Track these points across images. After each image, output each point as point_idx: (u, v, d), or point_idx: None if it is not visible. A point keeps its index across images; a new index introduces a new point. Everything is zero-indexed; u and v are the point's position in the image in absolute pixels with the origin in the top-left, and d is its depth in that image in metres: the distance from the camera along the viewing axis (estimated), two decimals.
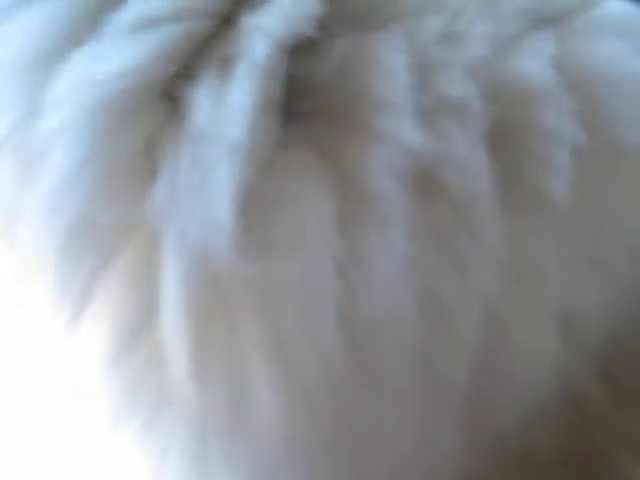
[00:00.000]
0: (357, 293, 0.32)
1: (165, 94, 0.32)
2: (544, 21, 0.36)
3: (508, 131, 0.33)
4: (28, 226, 0.32)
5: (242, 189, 0.30)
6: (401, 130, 0.32)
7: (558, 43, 0.35)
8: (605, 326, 0.36)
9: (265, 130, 0.31)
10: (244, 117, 0.30)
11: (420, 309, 0.32)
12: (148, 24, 0.32)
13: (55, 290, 0.32)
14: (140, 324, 0.32)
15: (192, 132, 0.31)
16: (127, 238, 0.32)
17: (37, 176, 0.31)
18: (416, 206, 0.32)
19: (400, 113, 0.32)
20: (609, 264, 0.36)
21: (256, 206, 0.31)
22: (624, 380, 0.37)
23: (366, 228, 0.32)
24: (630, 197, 0.36)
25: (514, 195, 0.33)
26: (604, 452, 0.38)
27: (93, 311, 0.32)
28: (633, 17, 0.39)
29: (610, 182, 0.35)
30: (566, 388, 0.36)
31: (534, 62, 0.34)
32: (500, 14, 0.35)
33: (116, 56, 0.31)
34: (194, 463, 0.34)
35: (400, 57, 0.33)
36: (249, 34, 0.32)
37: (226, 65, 0.32)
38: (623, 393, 0.37)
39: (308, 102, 0.33)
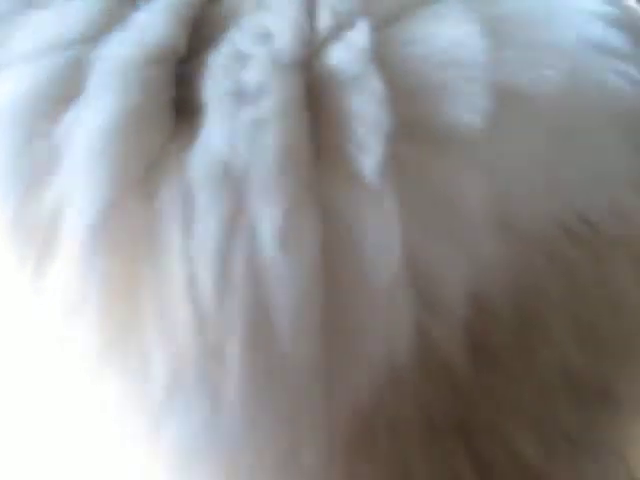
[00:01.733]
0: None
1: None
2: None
3: (322, 116, 0.36)
4: None
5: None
6: (213, 134, 0.35)
7: (380, 32, 0.37)
8: (468, 291, 0.37)
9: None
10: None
11: None
12: (34, 54, 0.35)
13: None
14: None
15: None
16: None
17: None
18: None
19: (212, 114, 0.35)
20: (464, 236, 0.37)
21: None
22: (492, 346, 0.38)
23: None
24: (467, 175, 0.37)
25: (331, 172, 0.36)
26: (479, 418, 0.39)
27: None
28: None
29: (442, 162, 0.37)
30: (429, 355, 0.37)
31: (345, 52, 0.36)
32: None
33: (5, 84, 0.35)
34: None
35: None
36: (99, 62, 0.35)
37: None
38: (492, 360, 0.38)
39: None
